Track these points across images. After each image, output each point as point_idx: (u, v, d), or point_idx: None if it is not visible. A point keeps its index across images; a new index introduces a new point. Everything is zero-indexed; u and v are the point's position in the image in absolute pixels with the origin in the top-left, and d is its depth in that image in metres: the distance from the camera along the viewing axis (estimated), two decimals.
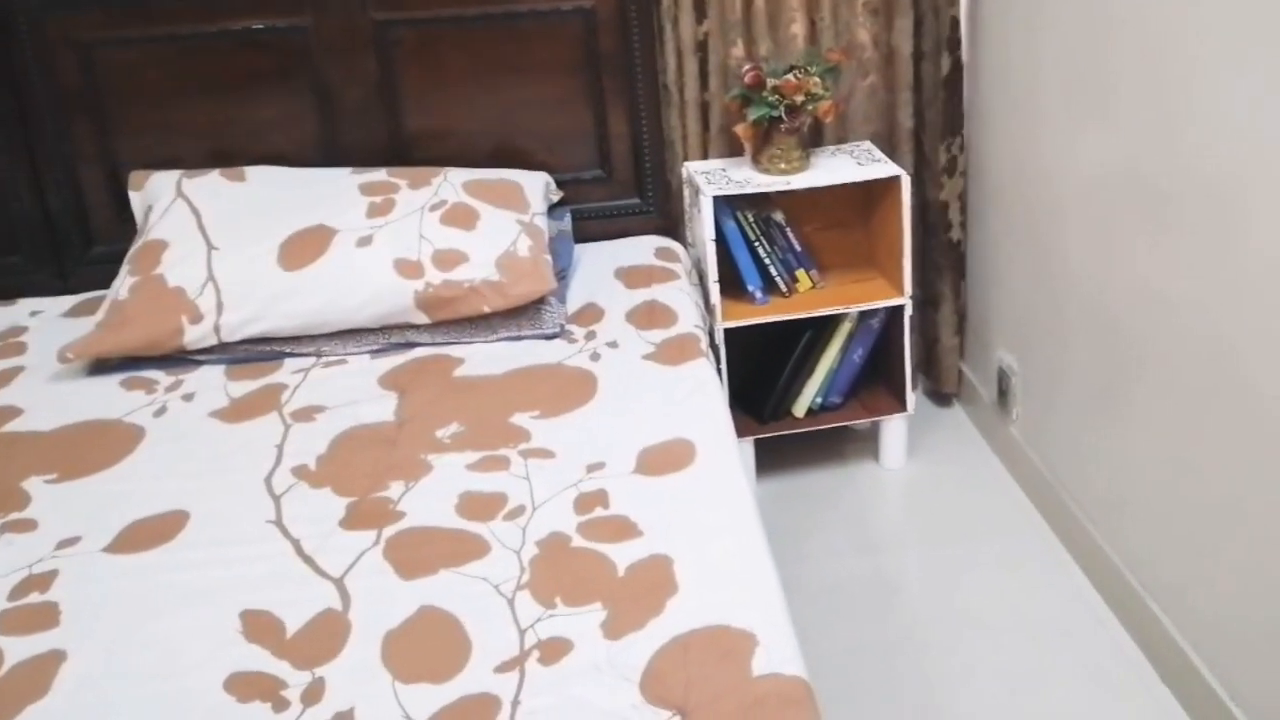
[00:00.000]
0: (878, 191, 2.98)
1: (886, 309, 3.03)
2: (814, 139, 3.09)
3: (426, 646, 1.65)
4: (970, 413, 3.34)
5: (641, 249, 2.99)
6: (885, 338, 3.10)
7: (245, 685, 1.61)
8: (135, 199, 2.88)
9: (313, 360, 2.57)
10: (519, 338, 2.58)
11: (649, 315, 2.64)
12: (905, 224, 2.89)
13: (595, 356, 2.48)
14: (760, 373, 3.13)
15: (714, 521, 1.88)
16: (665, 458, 2.08)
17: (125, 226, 2.90)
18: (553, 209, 3.02)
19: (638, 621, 1.65)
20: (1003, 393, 3.06)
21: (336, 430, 2.27)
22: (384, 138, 3.00)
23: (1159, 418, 2.27)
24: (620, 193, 3.10)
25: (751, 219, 2.94)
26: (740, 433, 2.94)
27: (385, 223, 2.64)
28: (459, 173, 2.82)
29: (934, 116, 3.07)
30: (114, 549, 1.95)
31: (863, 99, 3.09)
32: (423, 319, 2.58)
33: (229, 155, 2.97)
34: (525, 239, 2.63)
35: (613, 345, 2.52)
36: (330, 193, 2.74)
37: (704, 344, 2.53)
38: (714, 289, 2.89)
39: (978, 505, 2.99)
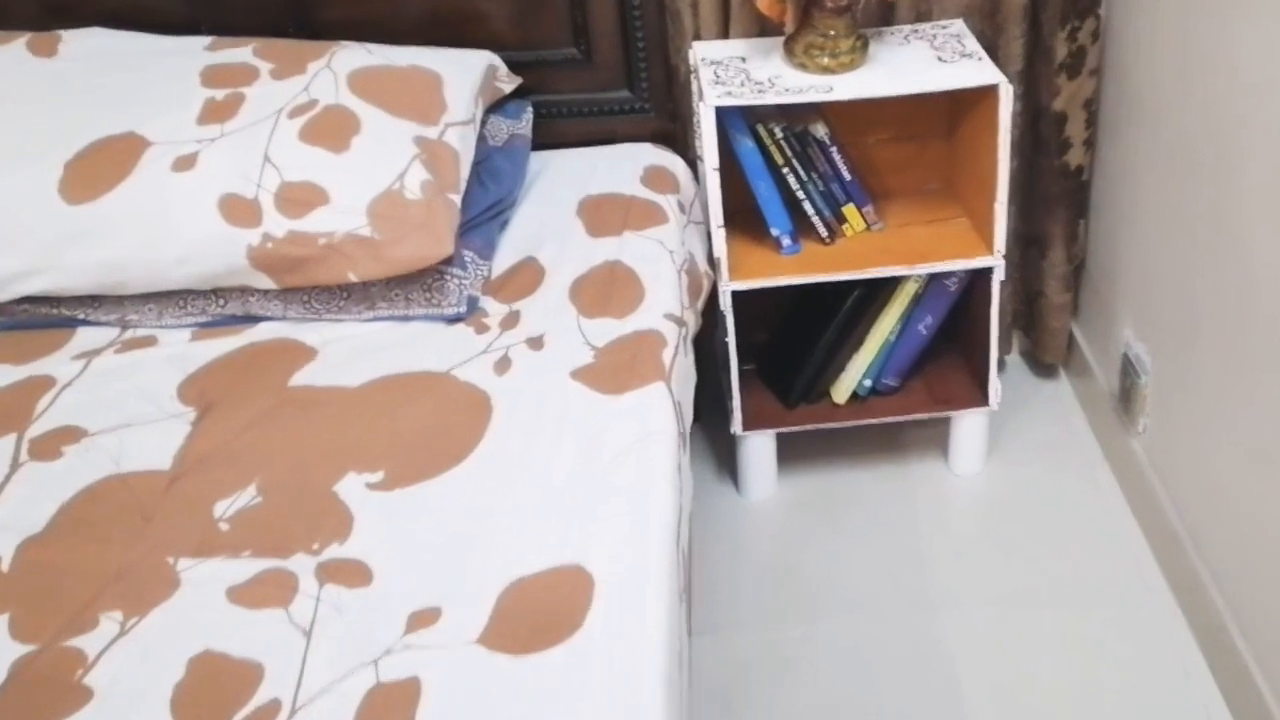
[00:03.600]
0: (969, 96, 2.00)
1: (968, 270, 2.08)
2: (883, 15, 2.09)
3: None
4: (1080, 391, 2.40)
5: (625, 167, 2.06)
6: (966, 302, 2.16)
7: None
8: None
9: (114, 333, 1.75)
10: (407, 318, 1.71)
11: (604, 289, 1.74)
12: (1002, 151, 1.92)
13: (503, 364, 1.60)
14: (790, 337, 2.22)
15: None
16: (538, 612, 1.22)
17: None
18: (507, 101, 2.09)
19: None
20: (1127, 390, 2.11)
21: (81, 482, 1.45)
22: None
23: None
24: (603, 82, 2.15)
25: (780, 135, 1.99)
26: (755, 422, 2.10)
27: (221, 133, 1.75)
28: (353, 52, 1.90)
29: None
30: None
31: None
32: (267, 283, 1.70)
33: (69, 8, 2.08)
34: (420, 170, 1.71)
35: (535, 344, 1.63)
36: (161, 79, 1.85)
37: (671, 349, 1.62)
38: (718, 237, 1.97)
39: (1075, 543, 2.09)
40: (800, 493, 2.24)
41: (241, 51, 1.90)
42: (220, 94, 1.80)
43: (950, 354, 2.28)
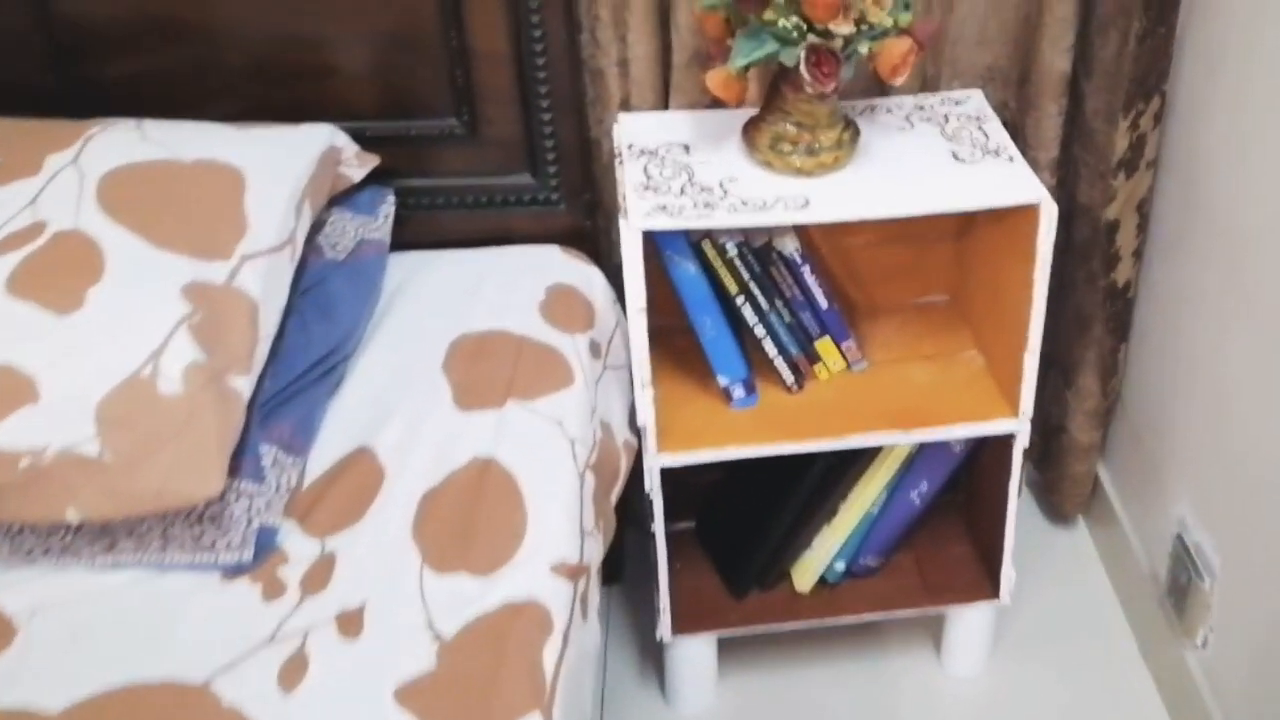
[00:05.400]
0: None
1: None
2: (875, 81, 1.50)
3: None
4: (1105, 550, 1.86)
5: (521, 285, 1.46)
6: (973, 460, 1.59)
7: None
8: None
9: None
10: (163, 567, 1.10)
11: (466, 515, 1.15)
12: (1038, 287, 1.34)
13: (295, 669, 1.01)
14: (742, 500, 1.64)
15: None
16: None
17: None
18: (360, 189, 1.48)
19: None
20: (1180, 587, 1.55)
21: None
22: (29, 24, 1.44)
23: None
24: (495, 162, 1.54)
25: (733, 253, 1.39)
26: (689, 620, 1.57)
27: None
28: (119, 137, 1.29)
29: (1113, 55, 1.45)
30: None
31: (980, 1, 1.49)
32: None
33: None
34: (187, 344, 1.10)
35: (350, 625, 1.04)
36: None
37: (559, 637, 1.04)
38: (644, 399, 1.38)
39: None
40: (746, 702, 1.68)
41: None
42: None
43: (948, 517, 1.70)
